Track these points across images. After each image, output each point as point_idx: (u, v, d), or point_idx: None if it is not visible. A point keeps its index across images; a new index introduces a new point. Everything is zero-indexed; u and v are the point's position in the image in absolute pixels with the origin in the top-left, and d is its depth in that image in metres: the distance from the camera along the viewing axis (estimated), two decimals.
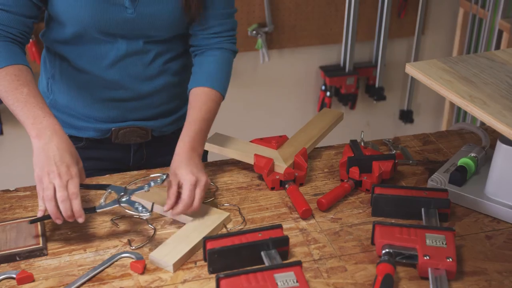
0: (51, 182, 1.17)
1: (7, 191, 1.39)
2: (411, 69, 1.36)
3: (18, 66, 1.27)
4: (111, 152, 1.52)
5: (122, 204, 1.21)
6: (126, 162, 1.54)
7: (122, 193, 1.24)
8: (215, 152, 1.48)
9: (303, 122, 1.60)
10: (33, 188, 1.40)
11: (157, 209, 1.29)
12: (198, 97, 1.39)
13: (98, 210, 1.22)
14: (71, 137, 1.47)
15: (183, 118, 1.54)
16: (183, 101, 1.53)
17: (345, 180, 1.39)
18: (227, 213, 1.29)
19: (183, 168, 1.27)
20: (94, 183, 1.39)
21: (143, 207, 1.19)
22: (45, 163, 1.18)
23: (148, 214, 1.18)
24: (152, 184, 1.25)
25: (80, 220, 1.18)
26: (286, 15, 2.81)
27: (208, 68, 1.43)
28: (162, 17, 1.36)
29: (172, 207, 1.25)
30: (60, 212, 1.18)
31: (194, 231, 1.23)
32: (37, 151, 1.19)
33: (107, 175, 1.45)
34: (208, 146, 1.48)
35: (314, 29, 2.90)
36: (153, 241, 1.22)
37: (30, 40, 1.41)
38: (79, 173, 1.21)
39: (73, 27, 1.35)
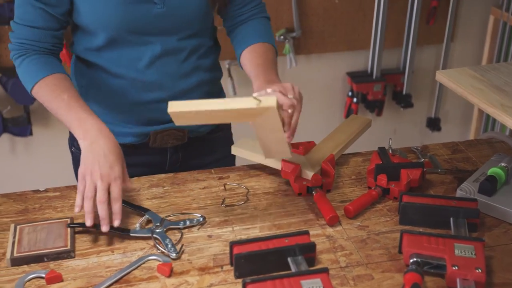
0: (93, 182, 1.21)
1: (37, 191, 1.41)
2: (442, 77, 1.35)
3: (55, 75, 1.32)
4: (148, 157, 1.53)
5: (155, 235, 1.23)
6: (162, 166, 1.55)
7: (158, 224, 1.26)
8: (243, 157, 1.48)
9: (329, 127, 1.59)
10: (63, 189, 1.42)
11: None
12: (257, 48, 1.41)
13: (131, 234, 1.24)
14: None
15: None
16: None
17: (373, 188, 1.38)
18: (257, 101, 1.17)
19: (271, 85, 1.27)
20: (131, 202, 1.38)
21: (173, 245, 1.21)
22: (90, 162, 1.23)
23: (175, 255, 1.19)
24: (188, 222, 1.28)
25: (116, 222, 1.21)
26: (314, 21, 2.81)
27: (254, 30, 1.47)
28: (191, 7, 1.36)
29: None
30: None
31: (221, 102, 1.20)
32: (84, 150, 1.25)
33: (134, 178, 1.47)
34: (235, 151, 1.49)
35: (342, 35, 2.89)
36: (180, 244, 1.22)
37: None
38: (123, 174, 1.24)
39: (105, 33, 1.35)
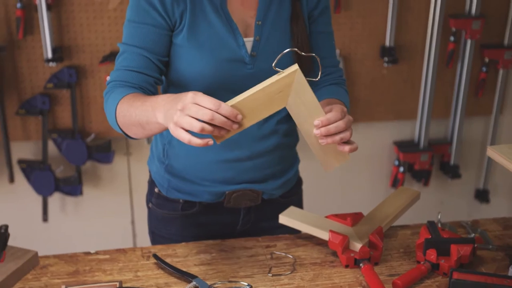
0: (185, 116, 1.13)
1: (88, 253, 1.44)
2: (493, 153, 1.35)
3: (134, 93, 1.32)
4: (221, 216, 1.56)
5: None
6: (234, 225, 1.58)
7: None
8: (290, 226, 1.49)
9: (375, 196, 1.59)
10: (113, 252, 1.44)
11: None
12: (330, 100, 1.42)
13: None
14: (185, 202, 1.54)
15: (291, 181, 1.60)
16: (291, 163, 1.59)
17: (422, 262, 1.37)
18: (295, 68, 1.18)
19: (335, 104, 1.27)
20: (179, 268, 1.38)
21: None
22: (168, 113, 1.16)
23: None
24: None
25: (239, 117, 1.16)
26: (362, 90, 2.84)
27: (332, 91, 1.49)
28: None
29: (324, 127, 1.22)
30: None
31: (247, 91, 1.18)
32: (165, 119, 1.18)
33: (183, 243, 1.48)
34: (283, 220, 1.49)
35: (389, 105, 2.91)
36: None
37: None
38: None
39: (196, 88, 1.38)
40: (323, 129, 1.22)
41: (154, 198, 1.60)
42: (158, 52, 1.38)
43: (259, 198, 1.55)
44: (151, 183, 1.62)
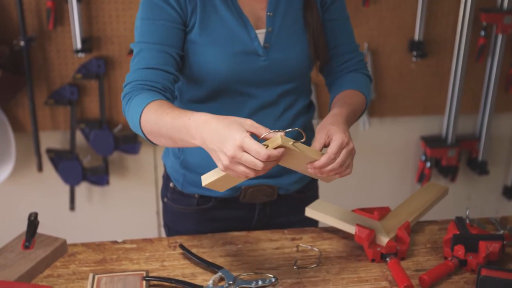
0: (238, 164, 1.13)
1: (115, 242, 1.45)
2: None
3: (158, 101, 1.29)
4: (236, 211, 1.55)
5: None
6: (249, 221, 1.57)
7: (231, 282, 1.28)
8: (316, 219, 1.49)
9: (401, 191, 1.58)
10: (139, 241, 1.46)
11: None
12: (346, 93, 1.44)
13: None
14: (200, 197, 1.54)
15: (306, 176, 1.57)
16: None
17: (449, 258, 1.35)
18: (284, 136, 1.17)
19: (338, 126, 1.27)
20: (205, 258, 1.38)
21: None
22: (214, 152, 1.16)
23: None
24: (260, 282, 1.28)
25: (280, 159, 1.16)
26: (389, 84, 2.82)
27: (352, 79, 1.49)
28: (292, 61, 1.41)
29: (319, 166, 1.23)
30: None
31: None
32: (207, 149, 1.18)
33: (208, 234, 1.49)
34: (309, 213, 1.49)
35: (417, 99, 2.88)
36: None
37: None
38: (250, 128, 1.15)
39: (211, 83, 1.40)
40: (317, 171, 1.24)
41: (169, 193, 1.60)
42: (176, 46, 1.37)
43: (275, 193, 1.54)
44: (166, 178, 1.62)
